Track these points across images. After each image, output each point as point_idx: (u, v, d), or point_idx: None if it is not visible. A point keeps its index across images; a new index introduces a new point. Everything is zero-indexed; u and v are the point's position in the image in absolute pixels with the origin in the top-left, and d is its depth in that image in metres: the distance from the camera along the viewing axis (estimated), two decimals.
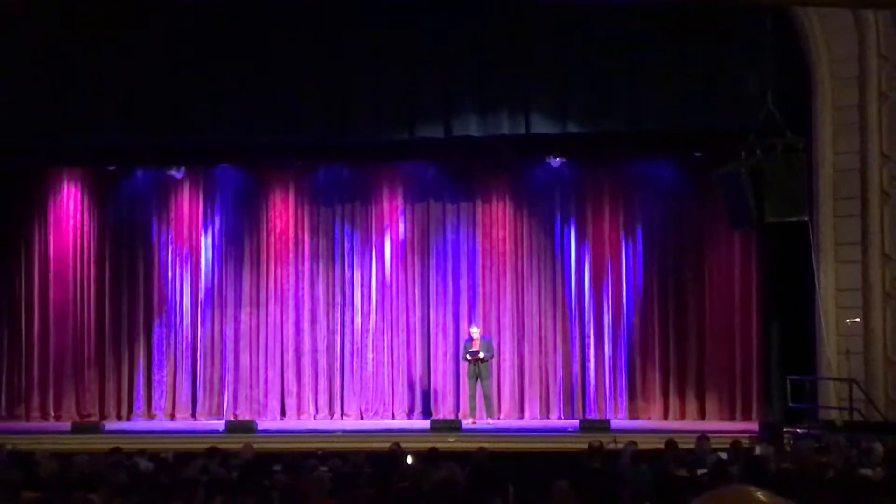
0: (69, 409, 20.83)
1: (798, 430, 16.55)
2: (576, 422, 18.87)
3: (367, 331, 20.82)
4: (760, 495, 2.21)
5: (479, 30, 18.21)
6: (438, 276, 20.80)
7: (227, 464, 12.13)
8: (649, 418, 19.98)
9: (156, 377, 20.92)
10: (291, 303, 20.97)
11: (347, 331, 20.86)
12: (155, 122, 18.48)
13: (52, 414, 20.90)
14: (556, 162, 20.14)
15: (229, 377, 20.88)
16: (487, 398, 19.42)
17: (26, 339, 20.97)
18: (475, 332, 19.56)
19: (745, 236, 19.39)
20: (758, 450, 13.38)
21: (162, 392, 20.91)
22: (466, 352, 19.37)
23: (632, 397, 20.26)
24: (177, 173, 20.75)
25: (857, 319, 17.16)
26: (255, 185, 21.27)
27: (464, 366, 19.71)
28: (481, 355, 19.15)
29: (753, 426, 17.86)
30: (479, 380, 19.26)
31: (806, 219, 15.99)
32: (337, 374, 20.81)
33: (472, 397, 19.42)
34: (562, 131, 18.35)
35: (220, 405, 20.81)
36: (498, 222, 20.83)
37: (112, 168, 20.85)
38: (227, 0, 18.29)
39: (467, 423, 18.85)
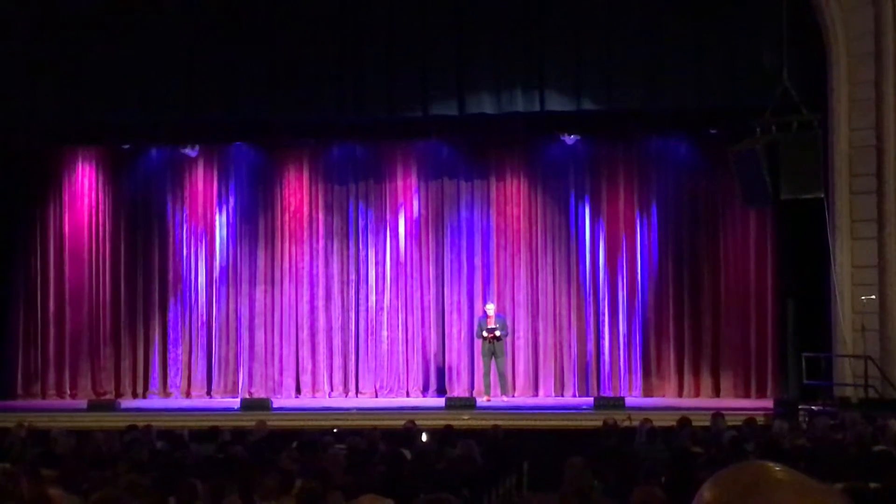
0: (85, 388, 20.92)
1: (813, 408, 16.55)
2: (590, 399, 18.88)
3: (382, 308, 20.84)
4: (778, 471, 2.18)
5: (493, 6, 18.16)
6: (453, 253, 20.79)
7: (242, 441, 12.17)
8: (664, 395, 19.95)
9: (171, 355, 20.99)
10: (306, 281, 20.98)
11: (362, 308, 20.87)
12: (169, 101, 18.51)
13: (69, 392, 21.00)
14: (570, 139, 20.09)
15: (244, 355, 20.93)
16: (502, 376, 19.42)
17: (42, 317, 21.05)
18: (490, 309, 19.55)
19: (761, 213, 19.33)
20: (774, 427, 13.37)
21: (177, 370, 20.98)
22: (481, 329, 19.36)
23: (646, 374, 20.25)
24: (191, 151, 20.77)
25: (873, 296, 17.11)
26: (270, 162, 21.27)
27: (478, 343, 19.70)
28: (497, 333, 19.16)
29: (768, 403, 17.85)
30: (493, 357, 19.27)
31: (821, 195, 15.98)
32: (352, 352, 20.84)
33: (487, 375, 19.42)
34: (576, 108, 18.32)
35: (236, 383, 20.87)
36: (512, 200, 20.80)
37: (127, 146, 20.89)
38: None
39: (482, 400, 18.87)
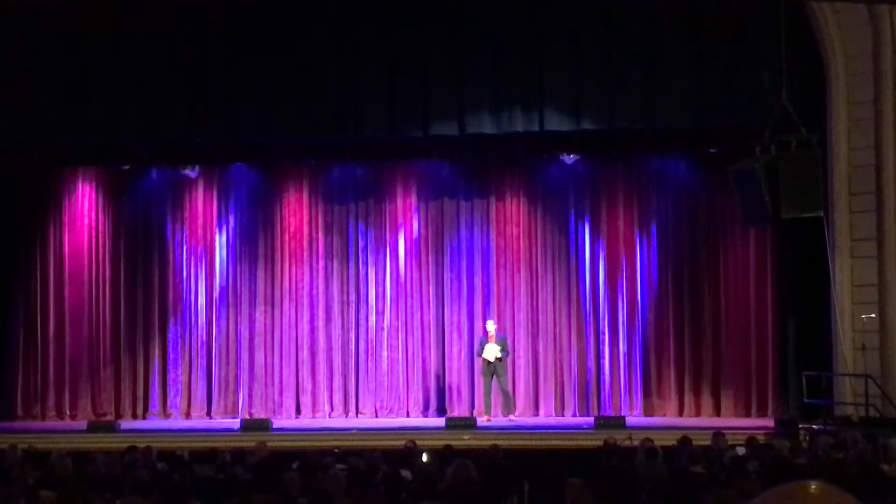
0: (85, 409, 20.89)
1: (814, 427, 16.54)
2: (591, 419, 18.87)
3: (382, 328, 20.83)
4: (824, 488, 2.27)
5: (493, 27, 18.19)
6: (453, 273, 20.79)
7: (242, 462, 12.14)
8: (664, 415, 19.94)
9: (171, 376, 20.97)
10: (306, 301, 20.98)
11: (362, 329, 20.86)
12: (169, 122, 18.54)
13: (68, 413, 20.95)
14: (570, 159, 20.11)
15: (244, 376, 20.91)
16: (506, 394, 19.40)
17: (42, 338, 21.02)
18: (491, 327, 19.51)
19: (761, 232, 19.35)
20: (775, 446, 13.35)
21: (177, 391, 20.95)
22: (482, 348, 19.32)
23: (647, 394, 20.23)
24: (191, 172, 20.78)
25: (873, 315, 17.12)
26: (270, 183, 21.29)
27: (478, 362, 19.67)
28: (499, 354, 19.11)
29: (769, 422, 17.85)
30: (494, 377, 19.24)
31: (821, 215, 15.96)
32: (352, 372, 20.82)
33: (488, 394, 19.40)
34: (576, 128, 18.36)
35: (236, 403, 20.83)
36: (512, 219, 20.82)
37: (127, 167, 20.88)
38: (243, 1, 18.32)
39: (482, 420, 18.85)
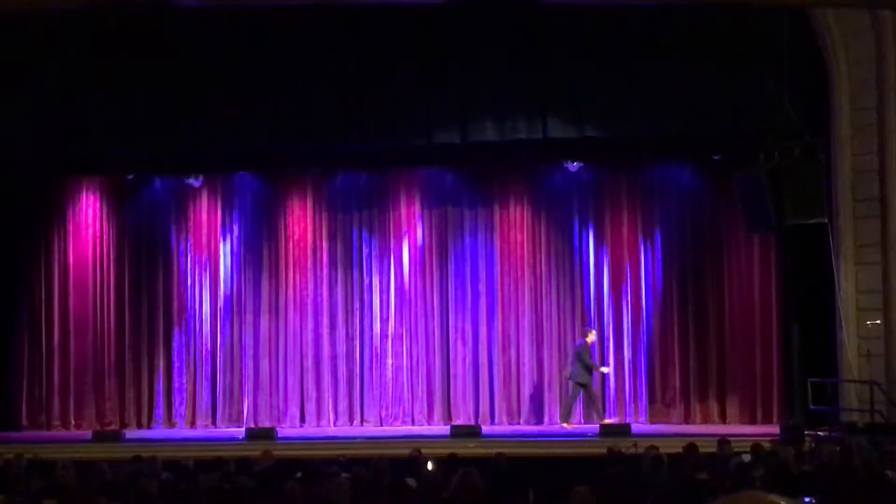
0: (90, 418, 20.88)
1: (819, 433, 16.50)
2: (596, 426, 18.83)
3: (386, 337, 20.82)
4: (773, 498, 2.23)
5: (496, 34, 18.19)
6: (457, 281, 20.78)
7: (247, 471, 12.14)
8: (670, 422, 19.91)
9: (176, 385, 20.96)
10: (310, 309, 20.98)
11: (366, 337, 20.85)
12: (173, 131, 18.53)
13: (73, 423, 20.94)
14: (573, 166, 20.11)
15: (249, 384, 20.90)
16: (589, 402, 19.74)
17: (46, 348, 21.02)
18: (592, 338, 19.65)
19: (765, 238, 19.32)
20: (780, 453, 13.33)
21: (182, 400, 20.95)
22: (590, 360, 19.44)
23: (652, 401, 20.21)
24: (195, 181, 20.79)
25: (878, 321, 17.09)
26: (273, 192, 21.30)
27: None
28: (603, 370, 19.72)
29: (774, 429, 17.82)
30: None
31: (825, 221, 15.98)
32: (356, 381, 20.80)
33: (599, 399, 19.72)
34: (579, 135, 18.34)
35: (241, 412, 20.83)
36: (516, 227, 20.81)
37: (130, 177, 20.92)
38: (243, 10, 18.34)
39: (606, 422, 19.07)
